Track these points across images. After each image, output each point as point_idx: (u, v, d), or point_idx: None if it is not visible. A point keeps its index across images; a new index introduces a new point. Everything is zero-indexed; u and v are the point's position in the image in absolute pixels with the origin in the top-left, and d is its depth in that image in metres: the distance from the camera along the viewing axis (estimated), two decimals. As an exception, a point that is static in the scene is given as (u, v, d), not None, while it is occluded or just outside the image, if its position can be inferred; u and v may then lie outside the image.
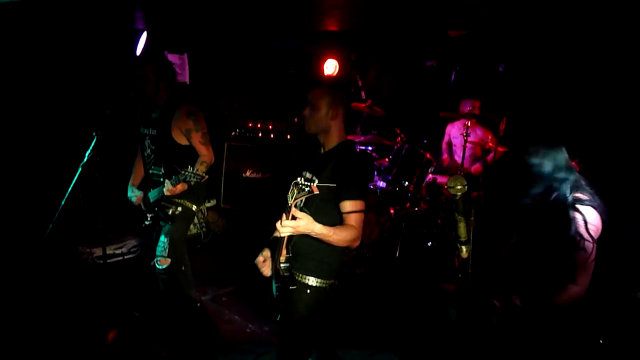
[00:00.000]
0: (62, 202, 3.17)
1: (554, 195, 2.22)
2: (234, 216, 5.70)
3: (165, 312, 3.41)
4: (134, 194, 3.34)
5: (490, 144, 5.10)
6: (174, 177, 2.95)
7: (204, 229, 3.39)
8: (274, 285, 2.32)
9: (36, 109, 4.73)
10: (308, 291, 2.31)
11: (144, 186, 3.37)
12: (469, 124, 4.90)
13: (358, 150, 4.98)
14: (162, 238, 3.21)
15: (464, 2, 3.58)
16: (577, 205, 2.17)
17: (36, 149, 4.69)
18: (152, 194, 3.22)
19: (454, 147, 5.65)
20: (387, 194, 4.86)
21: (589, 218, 2.14)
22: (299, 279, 2.31)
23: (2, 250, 3.90)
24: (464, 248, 2.11)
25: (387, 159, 5.06)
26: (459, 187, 2.05)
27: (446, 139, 5.72)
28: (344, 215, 2.21)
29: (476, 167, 5.44)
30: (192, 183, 3.00)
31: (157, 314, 3.49)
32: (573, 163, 2.33)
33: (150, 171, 3.26)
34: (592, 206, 2.17)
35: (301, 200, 2.00)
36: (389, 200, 4.83)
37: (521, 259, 2.33)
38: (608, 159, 3.88)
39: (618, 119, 4.09)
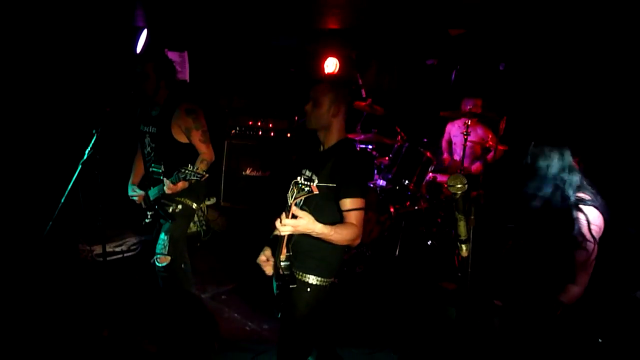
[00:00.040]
0: (62, 200, 3.18)
1: (558, 195, 2.22)
2: (234, 214, 5.69)
3: (162, 309, 3.41)
4: (135, 193, 3.34)
5: (491, 143, 5.09)
6: (174, 175, 2.95)
7: (204, 227, 3.38)
8: (274, 284, 2.32)
9: (36, 106, 4.73)
10: (308, 289, 2.31)
11: (144, 184, 3.36)
12: (470, 123, 4.90)
13: (358, 148, 4.98)
14: (162, 236, 3.21)
15: (465, 0, 3.58)
16: (580, 206, 2.17)
17: (36, 146, 4.69)
18: (152, 192, 3.22)
19: (454, 146, 5.64)
20: (387, 193, 4.85)
21: (591, 218, 2.14)
22: (299, 277, 2.31)
23: (2, 247, 3.90)
24: (463, 247, 2.11)
25: (387, 158, 5.05)
26: (459, 185, 2.05)
27: (446, 137, 5.71)
28: (344, 213, 2.21)
29: (476, 166, 5.43)
30: (193, 181, 3.00)
31: (154, 311, 3.48)
32: (574, 162, 2.33)
33: (151, 169, 3.25)
34: (594, 206, 2.17)
35: (301, 200, 2.00)
36: (389, 199, 4.82)
37: (521, 259, 2.33)
38: (608, 158, 3.87)
39: (618, 118, 4.09)
